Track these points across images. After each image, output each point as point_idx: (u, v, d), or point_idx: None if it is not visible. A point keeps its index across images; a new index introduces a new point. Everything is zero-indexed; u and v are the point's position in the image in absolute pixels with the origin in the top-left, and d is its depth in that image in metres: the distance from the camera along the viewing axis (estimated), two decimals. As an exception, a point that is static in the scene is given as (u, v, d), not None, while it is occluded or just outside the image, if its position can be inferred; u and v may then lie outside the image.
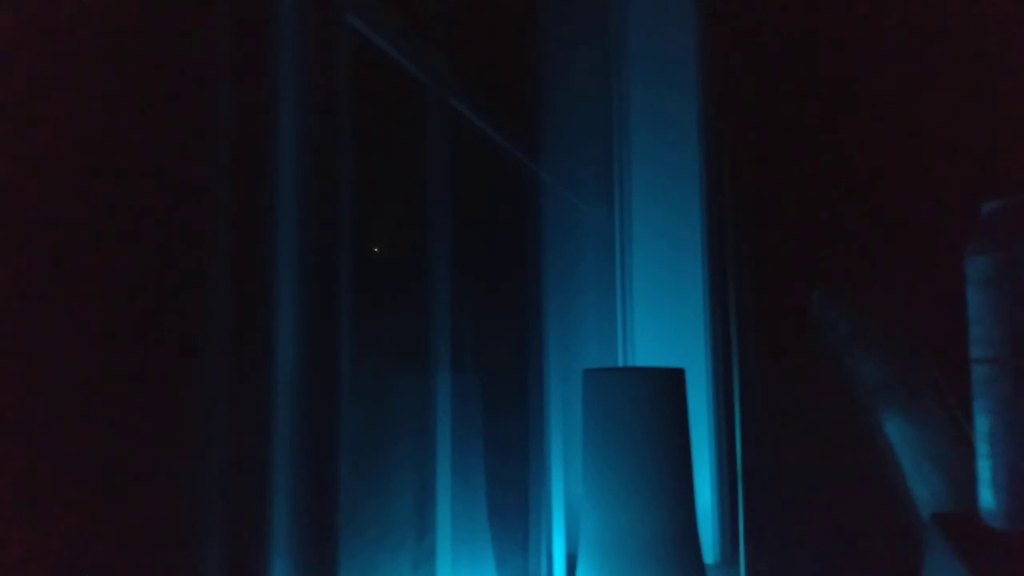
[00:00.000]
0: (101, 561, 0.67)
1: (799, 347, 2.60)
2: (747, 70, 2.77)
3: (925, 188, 2.47)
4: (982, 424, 1.47)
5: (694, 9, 3.13)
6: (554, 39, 2.51)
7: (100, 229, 0.69)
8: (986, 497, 1.45)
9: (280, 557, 0.88)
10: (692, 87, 3.12)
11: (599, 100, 3.13)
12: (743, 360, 2.70)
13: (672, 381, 1.70)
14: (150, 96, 0.75)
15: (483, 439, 1.80)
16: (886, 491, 2.38)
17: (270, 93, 0.92)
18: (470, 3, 1.88)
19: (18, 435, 0.60)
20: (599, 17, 3.18)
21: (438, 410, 1.51)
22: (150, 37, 0.75)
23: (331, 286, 1.01)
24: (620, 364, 3.09)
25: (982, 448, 1.47)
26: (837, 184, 2.63)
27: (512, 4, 2.28)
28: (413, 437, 1.45)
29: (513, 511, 2.07)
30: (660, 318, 3.06)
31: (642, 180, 3.15)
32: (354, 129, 1.17)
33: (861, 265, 2.59)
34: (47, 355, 0.63)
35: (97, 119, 0.69)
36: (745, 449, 2.59)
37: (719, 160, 3.07)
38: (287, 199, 0.93)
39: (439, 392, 1.52)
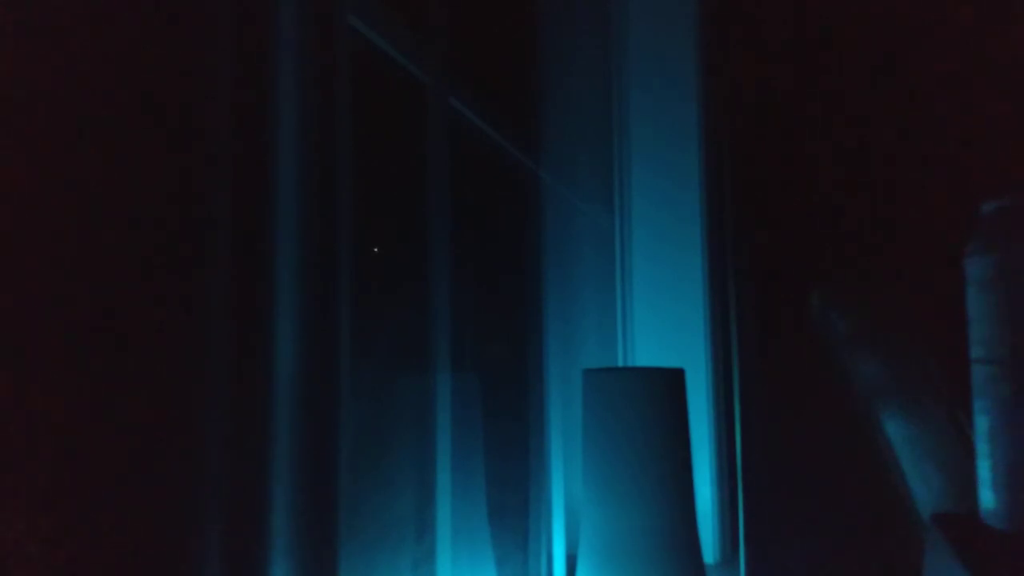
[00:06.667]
0: (99, 561, 0.67)
1: (799, 347, 2.59)
2: (748, 70, 2.78)
3: (925, 188, 2.47)
4: (982, 424, 1.47)
5: (694, 9, 3.13)
6: (554, 39, 2.51)
7: (98, 229, 0.68)
8: (986, 497, 1.45)
9: (280, 557, 0.88)
10: (692, 87, 3.12)
11: (599, 100, 3.13)
12: (743, 360, 2.69)
13: (672, 381, 1.70)
14: (148, 96, 0.75)
15: (483, 439, 1.80)
16: (886, 491, 2.38)
17: (270, 93, 0.92)
18: (470, 3, 1.88)
19: (16, 435, 0.60)
20: (599, 17, 3.18)
21: (438, 410, 1.51)
22: (148, 36, 0.75)
23: (331, 286, 1.01)
24: (620, 364, 3.09)
25: (982, 448, 1.47)
26: (837, 184, 2.63)
27: (512, 4, 2.28)
28: (413, 437, 1.45)
29: (513, 511, 2.07)
30: (660, 318, 3.06)
31: (642, 180, 3.15)
32: (354, 129, 1.17)
33: (861, 265, 2.59)
34: (45, 355, 0.63)
35: (95, 119, 0.69)
36: (745, 449, 2.59)
37: (719, 160, 3.07)
38: (287, 199, 0.93)
39: (439, 392, 1.52)
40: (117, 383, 0.69)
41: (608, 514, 1.64)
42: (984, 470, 1.46)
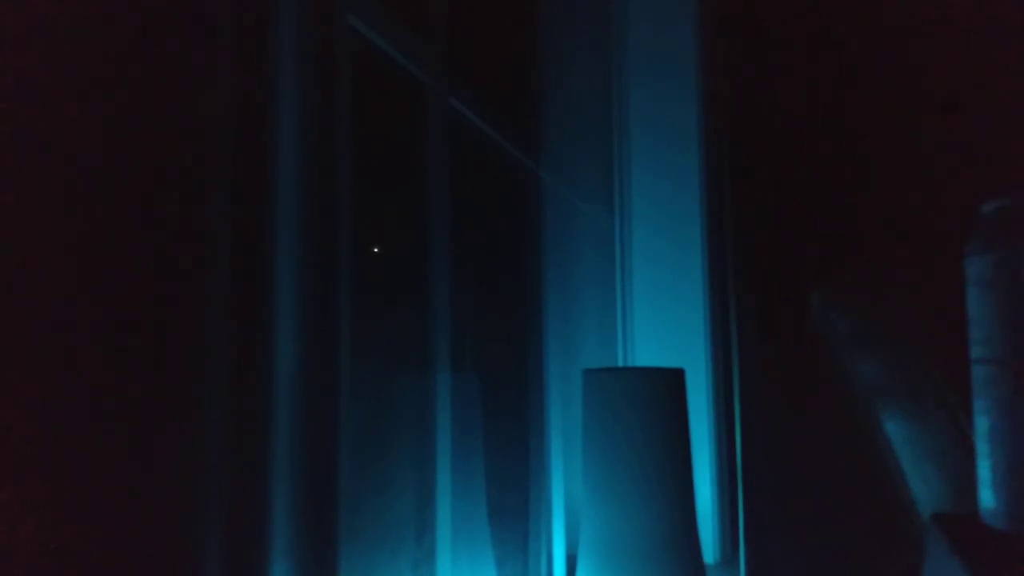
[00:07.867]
0: (99, 561, 0.67)
1: (799, 347, 2.60)
2: (748, 70, 2.78)
3: (925, 188, 2.48)
4: (982, 424, 1.47)
5: (694, 9, 3.13)
6: (554, 39, 2.51)
7: (99, 229, 0.68)
8: (986, 497, 1.45)
9: (280, 557, 0.88)
10: (692, 87, 3.12)
11: (599, 100, 3.13)
12: (743, 360, 2.69)
13: (672, 381, 1.70)
14: (149, 96, 0.75)
15: (483, 439, 1.80)
16: (886, 491, 2.38)
17: (270, 93, 0.92)
18: (470, 3, 1.88)
19: (16, 435, 0.60)
20: (599, 17, 3.18)
21: (438, 410, 1.51)
22: (150, 36, 0.75)
23: (331, 286, 1.01)
24: (620, 364, 3.09)
25: (982, 448, 1.47)
26: (838, 184, 2.63)
27: (512, 4, 2.28)
28: (413, 437, 1.45)
29: (513, 511, 2.07)
30: (660, 318, 3.06)
31: (642, 180, 3.15)
32: (354, 129, 1.17)
33: (861, 265, 2.59)
34: (45, 355, 0.63)
35: (95, 119, 0.69)
36: (745, 449, 2.59)
37: (719, 160, 3.07)
38: (287, 199, 0.93)
39: (439, 392, 1.52)
40: (117, 383, 0.69)
41: (608, 514, 1.64)
42: (984, 470, 1.46)
